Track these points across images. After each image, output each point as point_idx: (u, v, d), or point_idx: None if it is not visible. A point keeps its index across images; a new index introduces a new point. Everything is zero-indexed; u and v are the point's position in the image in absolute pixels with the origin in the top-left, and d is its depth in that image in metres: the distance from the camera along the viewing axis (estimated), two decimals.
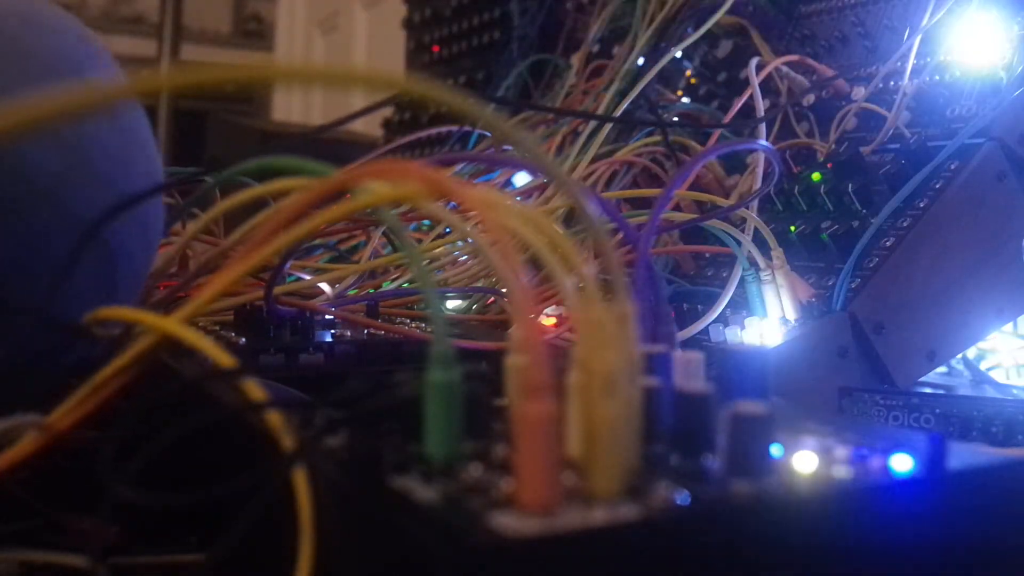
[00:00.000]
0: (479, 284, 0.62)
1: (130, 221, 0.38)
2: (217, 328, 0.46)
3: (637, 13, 0.81)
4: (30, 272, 0.36)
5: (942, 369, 0.60)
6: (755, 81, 0.63)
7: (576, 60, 0.91)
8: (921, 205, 0.52)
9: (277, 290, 0.46)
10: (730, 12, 0.69)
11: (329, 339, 0.44)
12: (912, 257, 0.51)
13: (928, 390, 0.57)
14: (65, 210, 0.36)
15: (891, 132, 0.58)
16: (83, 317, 0.34)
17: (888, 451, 0.24)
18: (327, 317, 0.48)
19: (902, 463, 0.24)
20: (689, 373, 0.25)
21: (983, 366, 0.64)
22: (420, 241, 0.67)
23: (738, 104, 0.66)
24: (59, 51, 0.38)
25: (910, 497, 0.23)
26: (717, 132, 0.69)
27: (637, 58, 0.79)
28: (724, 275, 0.57)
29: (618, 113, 0.69)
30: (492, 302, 0.62)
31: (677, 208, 0.62)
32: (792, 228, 0.57)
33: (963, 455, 0.24)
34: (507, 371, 0.24)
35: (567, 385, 0.22)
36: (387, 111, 1.28)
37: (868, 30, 0.67)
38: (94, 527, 0.29)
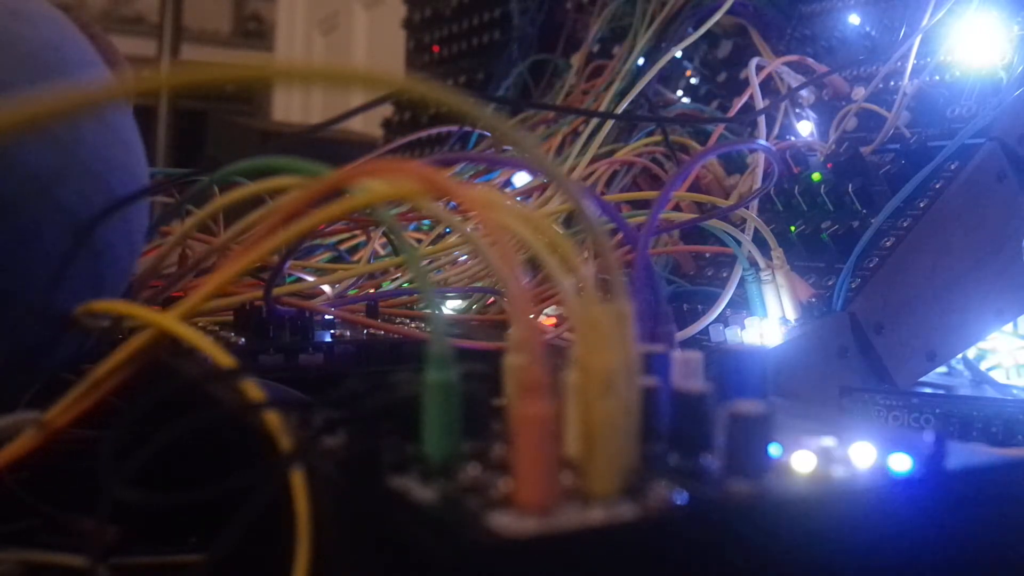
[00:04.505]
0: (479, 284, 0.62)
1: (116, 219, 0.39)
2: (217, 328, 0.46)
3: (637, 13, 0.81)
4: (23, 267, 0.36)
5: (942, 369, 0.60)
6: (755, 81, 0.63)
7: (576, 60, 0.91)
8: (921, 205, 0.52)
9: (277, 290, 0.46)
10: (730, 12, 0.69)
11: (329, 339, 0.44)
12: (912, 257, 0.51)
13: (928, 390, 0.57)
14: (57, 206, 0.36)
15: (891, 132, 0.58)
16: (74, 310, 0.34)
17: (887, 451, 0.24)
18: (327, 317, 0.48)
19: (901, 463, 0.24)
20: (688, 373, 0.25)
21: (983, 366, 0.64)
22: (420, 241, 0.67)
23: (738, 104, 0.66)
24: (43, 41, 0.39)
25: (909, 497, 0.23)
26: (717, 132, 0.69)
27: (637, 58, 0.79)
28: (724, 275, 0.57)
29: (618, 113, 0.69)
30: (492, 302, 0.62)
31: (677, 208, 0.62)
32: (792, 228, 0.57)
33: (962, 455, 0.24)
34: (505, 371, 0.24)
35: (565, 385, 0.22)
36: (387, 111, 1.28)
37: (868, 30, 0.67)
38: (94, 527, 0.29)
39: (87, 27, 0.43)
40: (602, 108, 0.75)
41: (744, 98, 0.65)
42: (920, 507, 0.23)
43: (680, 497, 0.21)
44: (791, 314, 0.50)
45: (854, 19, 0.68)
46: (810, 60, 0.67)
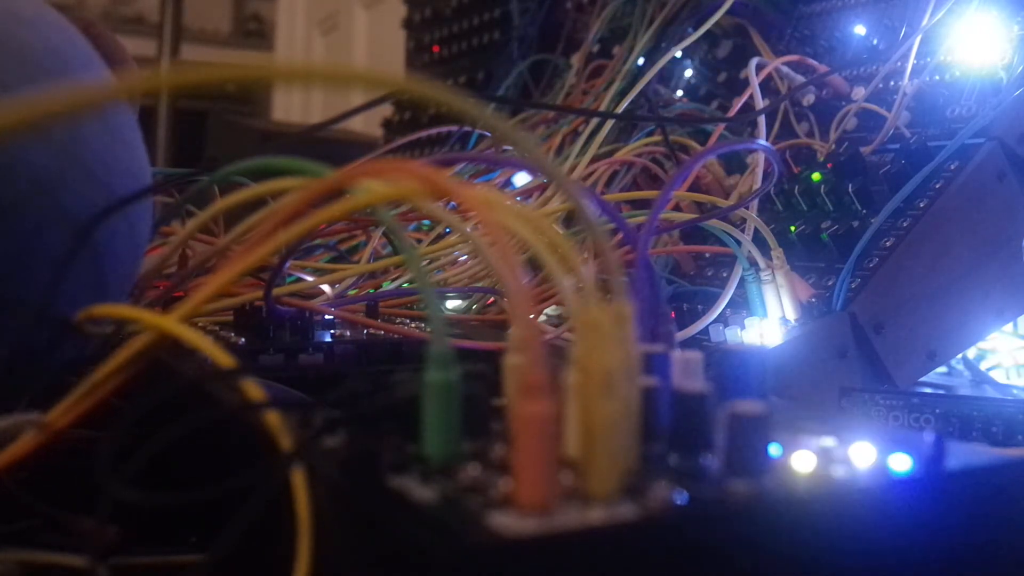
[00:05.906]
0: (479, 284, 0.62)
1: (118, 221, 0.39)
2: (217, 328, 0.46)
3: (637, 13, 0.81)
4: (23, 269, 0.36)
5: (942, 369, 0.60)
6: (755, 81, 0.63)
7: (576, 60, 0.91)
8: (921, 205, 0.52)
9: (277, 290, 0.46)
10: (730, 12, 0.69)
11: (329, 339, 0.44)
12: (912, 257, 0.51)
13: (928, 390, 0.57)
14: (58, 208, 0.36)
15: (891, 132, 0.58)
16: (75, 314, 0.34)
17: (887, 451, 0.24)
18: (327, 317, 0.48)
19: (901, 463, 0.24)
20: (688, 373, 0.25)
21: (983, 366, 0.64)
22: (420, 241, 0.67)
23: (738, 104, 0.66)
24: (44, 44, 0.39)
25: (909, 497, 0.23)
26: (717, 132, 0.69)
27: (637, 58, 0.79)
28: (724, 275, 0.57)
29: (618, 113, 0.70)
30: (492, 302, 0.62)
31: (677, 208, 0.62)
32: (792, 228, 0.57)
33: (963, 455, 0.24)
34: (505, 371, 0.24)
35: (565, 385, 0.22)
36: (387, 111, 1.28)
37: (868, 30, 0.67)
38: (94, 527, 0.29)
39: (91, 27, 0.43)
40: (602, 108, 0.75)
41: (744, 98, 0.65)
42: (920, 507, 0.23)
43: (680, 497, 0.21)
44: (791, 314, 0.50)
45: (860, 30, 0.68)
46: (810, 60, 0.67)
